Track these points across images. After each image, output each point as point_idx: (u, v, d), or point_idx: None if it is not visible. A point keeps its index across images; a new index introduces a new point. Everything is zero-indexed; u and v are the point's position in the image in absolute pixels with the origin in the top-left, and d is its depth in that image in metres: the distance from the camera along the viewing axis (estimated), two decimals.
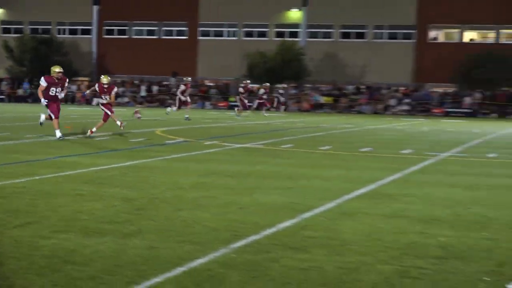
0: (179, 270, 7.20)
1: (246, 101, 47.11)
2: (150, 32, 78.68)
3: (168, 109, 43.42)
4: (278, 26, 74.21)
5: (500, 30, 68.88)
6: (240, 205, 11.29)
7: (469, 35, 70.52)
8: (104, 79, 24.94)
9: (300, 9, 73.09)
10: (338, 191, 13.12)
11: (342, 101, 65.05)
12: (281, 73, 65.34)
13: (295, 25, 73.52)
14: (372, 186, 14.02)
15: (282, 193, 12.77)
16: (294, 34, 72.96)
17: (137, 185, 13.23)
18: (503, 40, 68.64)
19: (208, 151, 20.80)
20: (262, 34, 74.57)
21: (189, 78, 43.15)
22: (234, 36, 75.58)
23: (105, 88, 24.73)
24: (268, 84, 53.00)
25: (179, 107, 40.83)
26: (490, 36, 69.51)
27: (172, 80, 72.88)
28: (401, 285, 7.02)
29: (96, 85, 25.31)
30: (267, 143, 24.35)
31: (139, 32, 79.12)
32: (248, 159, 19.00)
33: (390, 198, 12.56)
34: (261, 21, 74.21)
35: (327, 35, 73.00)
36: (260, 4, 73.99)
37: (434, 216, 10.88)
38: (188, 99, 41.05)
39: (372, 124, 41.87)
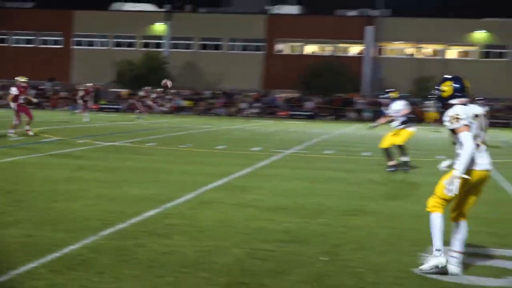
0: (53, 256, 7.04)
1: (149, 103, 46.21)
2: (29, 41, 76.59)
3: (85, 115, 40.43)
4: (144, 38, 73.62)
5: (337, 45, 70.48)
6: (109, 197, 11.14)
7: (310, 48, 71.83)
8: (22, 78, 23.87)
9: (164, 23, 72.73)
10: (197, 183, 13.12)
11: (200, 104, 65.01)
12: (146, 80, 64.89)
13: (160, 37, 73.10)
14: (226, 179, 14.09)
15: (147, 186, 12.67)
16: (159, 45, 72.52)
17: (15, 180, 12.85)
18: (339, 53, 70.22)
19: (80, 148, 20.40)
20: (130, 45, 73.80)
21: (90, 84, 41.97)
22: (105, 46, 74.50)
23: (23, 87, 23.63)
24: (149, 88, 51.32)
25: (83, 110, 39.36)
26: (328, 49, 70.97)
27: (48, 85, 71.27)
28: (251, 266, 7.07)
29: (15, 89, 23.61)
30: (134, 141, 24.11)
31: (18, 41, 76.89)
32: (117, 155, 18.75)
33: (242, 190, 12.65)
34: (130, 33, 73.48)
35: (188, 47, 72.91)
36: (128, 18, 73.24)
37: (279, 205, 11.02)
38: (88, 103, 39.60)
39: (226, 125, 42.07)
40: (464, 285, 6.71)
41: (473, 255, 8.00)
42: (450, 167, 7.33)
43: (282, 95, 67.16)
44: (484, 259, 7.82)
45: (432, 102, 40.37)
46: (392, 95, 16.99)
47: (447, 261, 7.04)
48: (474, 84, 58.29)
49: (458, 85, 7.28)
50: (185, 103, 65.94)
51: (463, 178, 6.92)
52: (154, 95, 48.49)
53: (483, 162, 7.13)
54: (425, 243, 8.49)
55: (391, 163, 16.64)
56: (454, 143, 7.22)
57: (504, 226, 9.97)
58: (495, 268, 7.40)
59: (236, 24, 70.92)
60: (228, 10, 76.35)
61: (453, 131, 7.07)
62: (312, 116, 60.65)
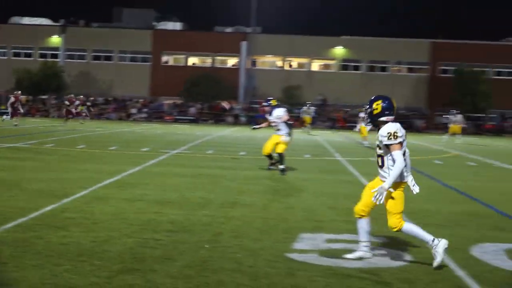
0: None
1: (73, 110, 44.48)
2: None
3: (4, 116, 38.75)
4: (41, 49, 71.56)
5: (215, 57, 70.62)
6: (10, 194, 10.79)
7: (192, 60, 71.68)
8: None
9: (59, 36, 70.95)
10: (92, 180, 12.89)
11: (94, 109, 63.75)
12: (44, 87, 63.30)
13: (56, 49, 71.22)
14: (118, 177, 13.90)
15: (46, 183, 12.35)
16: (55, 56, 70.61)
17: None
18: (217, 65, 70.39)
19: None
20: (28, 55, 71.57)
21: (19, 92, 40.11)
22: (4, 56, 71.99)
23: None
24: (75, 95, 48.75)
25: (12, 116, 37.58)
26: (208, 61, 71.02)
27: None
28: (142, 253, 7.02)
29: None
30: (34, 143, 23.38)
31: None
32: (17, 155, 18.14)
33: (132, 186, 12.51)
34: (28, 45, 71.30)
35: (82, 57, 71.37)
36: (26, 31, 71.02)
37: (167, 199, 10.97)
38: (20, 109, 37.86)
39: (118, 128, 41.44)
40: (330, 267, 6.86)
41: (333, 241, 8.20)
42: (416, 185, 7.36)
43: (168, 101, 66.75)
44: (345, 243, 8.01)
45: (305, 107, 40.72)
46: (272, 102, 16.78)
47: (446, 240, 7.10)
48: (334, 92, 59.80)
49: (386, 105, 7.31)
50: (79, 108, 64.49)
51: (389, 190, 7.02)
52: (77, 102, 46.94)
53: (407, 174, 7.22)
54: (295, 232, 8.64)
55: (272, 161, 16.65)
56: (379, 156, 7.23)
57: None
58: (355, 252, 7.58)
59: (125, 38, 70.05)
60: (118, 25, 75.31)
61: (387, 146, 7.09)
62: (195, 120, 60.53)
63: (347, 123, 59.39)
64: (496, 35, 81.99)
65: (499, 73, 67.16)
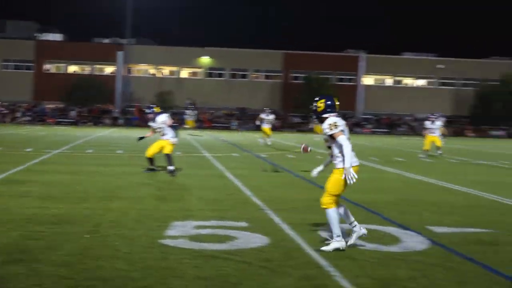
0: None
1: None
2: None
3: None
4: None
5: (94, 65, 68.92)
6: None
7: (72, 68, 69.60)
8: None
9: None
10: None
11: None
12: None
13: None
14: (3, 175, 13.28)
15: None
16: None
17: None
18: (96, 72, 68.71)
19: None
20: None
21: None
22: None
23: None
24: None
25: None
26: (87, 69, 69.17)
27: None
28: (26, 245, 6.77)
29: None
30: None
31: None
32: None
33: (17, 183, 12.00)
34: None
35: None
36: None
37: (50, 195, 10.61)
38: None
39: (3, 131, 39.46)
40: (198, 250, 6.88)
41: (201, 227, 8.24)
42: (320, 172, 7.52)
43: (50, 105, 64.47)
44: (212, 229, 8.06)
45: (188, 111, 40.28)
46: (155, 109, 15.49)
47: (346, 243, 7.09)
48: (201, 97, 59.93)
49: (329, 103, 7.32)
50: None
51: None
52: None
53: (355, 160, 7.17)
54: (167, 220, 8.60)
55: (151, 166, 15.21)
56: (329, 148, 7.25)
57: (224, 204, 10.34)
58: (220, 236, 7.67)
59: (8, 47, 67.01)
60: (2, 36, 71.80)
61: (331, 136, 7.08)
62: (75, 123, 58.83)
63: (213, 123, 59.76)
64: (338, 48, 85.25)
65: (341, 80, 69.82)
